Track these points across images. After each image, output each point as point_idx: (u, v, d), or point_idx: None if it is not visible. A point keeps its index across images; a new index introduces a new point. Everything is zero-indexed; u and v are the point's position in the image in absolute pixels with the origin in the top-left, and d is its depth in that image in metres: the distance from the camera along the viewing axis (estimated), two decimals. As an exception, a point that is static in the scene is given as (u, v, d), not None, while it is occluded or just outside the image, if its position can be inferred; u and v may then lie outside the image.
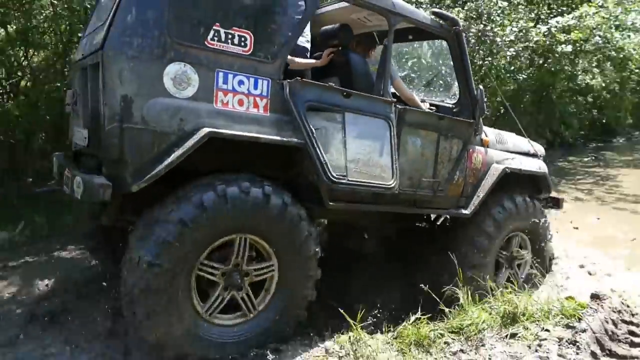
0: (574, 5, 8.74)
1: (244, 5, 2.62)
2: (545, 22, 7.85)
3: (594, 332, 2.70)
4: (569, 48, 7.73)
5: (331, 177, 2.77)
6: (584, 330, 2.70)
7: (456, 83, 3.77)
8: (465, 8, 7.14)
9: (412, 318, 2.75)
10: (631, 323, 3.01)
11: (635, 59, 10.21)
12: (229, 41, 2.57)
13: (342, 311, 2.65)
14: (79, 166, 2.98)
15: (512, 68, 8.26)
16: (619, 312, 3.03)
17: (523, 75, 8.52)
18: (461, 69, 3.57)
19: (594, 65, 9.94)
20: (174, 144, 2.41)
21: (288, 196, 2.71)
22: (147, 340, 2.49)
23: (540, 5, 9.22)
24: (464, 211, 3.56)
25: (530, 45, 7.67)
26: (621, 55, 9.36)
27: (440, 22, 3.42)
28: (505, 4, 7.45)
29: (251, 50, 2.62)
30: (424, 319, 2.73)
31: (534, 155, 4.20)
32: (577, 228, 5.60)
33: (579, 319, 2.81)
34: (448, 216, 3.74)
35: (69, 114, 3.30)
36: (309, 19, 2.87)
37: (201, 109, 2.48)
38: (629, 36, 9.15)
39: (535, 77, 9.00)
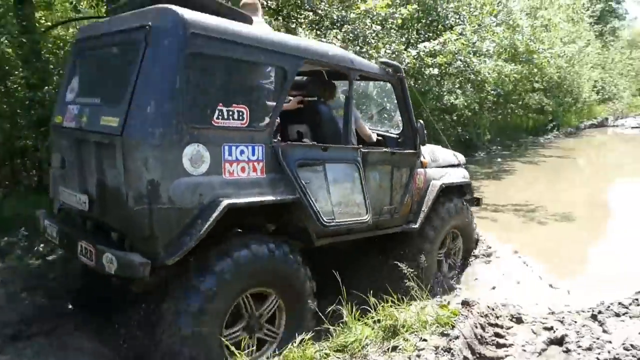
0: (438, 32, 9.53)
1: (240, 83, 3.07)
2: (415, 47, 8.46)
3: (465, 338, 2.90)
4: (436, 71, 8.43)
5: (323, 222, 3.30)
6: (457, 337, 2.88)
7: (399, 116, 4.38)
8: (343, 30, 7.42)
9: (298, 339, 2.75)
10: (496, 325, 3.29)
11: (490, 81, 11.40)
12: (230, 117, 2.91)
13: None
14: (83, 230, 3.27)
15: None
16: (486, 316, 3.30)
17: (397, 95, 9.05)
18: (404, 106, 4.17)
19: (457, 86, 10.91)
20: (197, 217, 2.74)
21: (287, 247, 3.14)
22: None
23: (410, 30, 9.93)
24: (413, 225, 4.28)
25: (402, 67, 8.21)
26: (479, 78, 10.40)
27: (387, 69, 4.06)
28: (379, 28, 7.89)
29: (247, 122, 2.98)
30: (309, 339, 2.74)
31: (459, 165, 5.10)
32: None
33: (452, 327, 3.00)
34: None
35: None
36: (290, 86, 3.30)
37: (214, 182, 2.83)
38: (485, 61, 10.20)
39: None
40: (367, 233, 3.90)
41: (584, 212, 7.92)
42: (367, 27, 7.56)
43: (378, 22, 7.87)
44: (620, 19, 32.58)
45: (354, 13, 7.56)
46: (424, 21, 10.08)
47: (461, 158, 5.23)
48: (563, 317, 3.56)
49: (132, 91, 2.70)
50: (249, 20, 3.24)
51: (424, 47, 8.28)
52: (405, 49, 8.26)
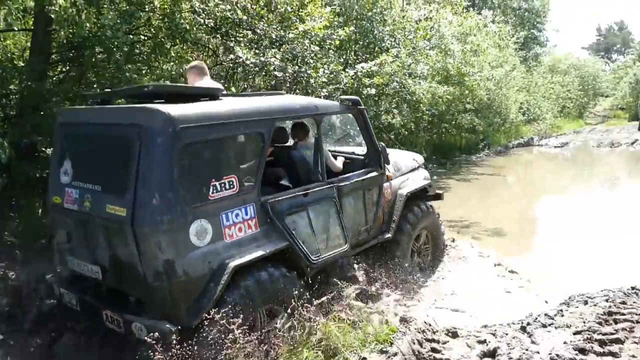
0: (375, 54, 9.80)
1: (226, 156, 3.40)
2: (353, 67, 8.64)
3: (403, 355, 2.93)
4: (373, 91, 8.64)
5: (311, 261, 3.82)
6: (395, 354, 2.91)
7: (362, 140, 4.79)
8: (282, 50, 7.46)
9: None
10: (433, 340, 3.35)
11: (425, 102, 11.82)
12: (223, 189, 3.31)
13: None
14: (101, 297, 3.54)
15: (326, 107, 8.85)
16: (423, 332, 3.36)
17: (335, 114, 9.18)
18: (366, 132, 4.66)
19: (393, 106, 11.22)
20: (209, 281, 3.16)
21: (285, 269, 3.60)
22: None
23: (348, 51, 10.15)
24: (387, 235, 4.86)
25: (341, 87, 8.36)
26: (414, 99, 10.76)
27: (347, 103, 4.49)
28: (317, 48, 8.01)
29: (238, 188, 3.39)
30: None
31: (419, 167, 5.66)
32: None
33: (391, 343, 3.03)
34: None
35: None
36: (268, 145, 3.70)
37: (219, 248, 3.25)
38: (419, 83, 10.58)
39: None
40: (350, 253, 4.45)
41: (514, 228, 8.31)
42: (305, 47, 7.65)
43: (316, 43, 7.99)
44: (542, 46, 34.93)
45: (292, 33, 7.63)
46: (361, 43, 10.33)
47: (419, 159, 5.83)
48: (495, 330, 3.69)
49: (134, 185, 3.05)
50: (217, 93, 3.73)
51: (362, 67, 8.48)
52: (343, 69, 8.42)
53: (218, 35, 7.72)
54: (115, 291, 3.45)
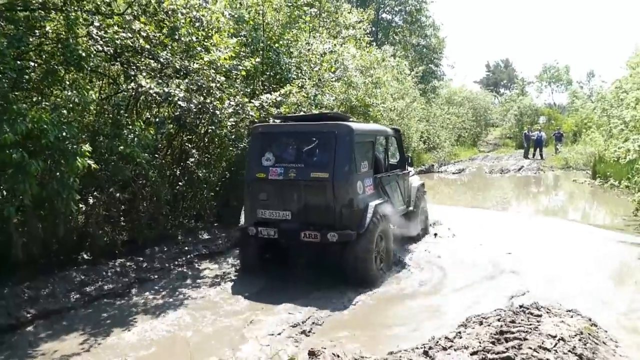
0: (282, 84, 9.94)
1: (365, 151, 6.73)
2: (259, 98, 8.69)
3: (308, 390, 2.90)
4: (279, 122, 8.72)
5: (397, 208, 7.70)
6: (301, 390, 2.88)
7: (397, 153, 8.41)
8: (186, 80, 7.34)
9: None
10: (339, 372, 3.36)
11: (332, 132, 12.12)
12: (364, 167, 6.48)
13: None
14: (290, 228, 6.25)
15: (233, 136, 8.79)
16: (330, 364, 3.36)
17: (243, 144, 9.14)
18: (401, 147, 8.30)
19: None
20: (364, 211, 6.17)
21: None
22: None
23: (255, 81, 10.20)
24: (410, 208, 8.24)
25: (247, 117, 8.36)
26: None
27: (395, 129, 8.28)
28: (224, 78, 7.96)
29: (368, 168, 6.69)
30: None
31: (414, 174, 9.08)
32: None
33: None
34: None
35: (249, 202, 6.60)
36: (375, 149, 7.19)
37: (365, 196, 6.36)
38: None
39: (254, 146, 9.80)
40: (405, 210, 7.97)
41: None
42: (211, 78, 7.57)
43: (222, 73, 7.95)
44: (439, 80, 37.44)
45: (197, 63, 7.53)
46: (268, 74, 10.44)
47: (413, 170, 8.96)
48: (400, 356, 3.78)
49: (333, 161, 6.03)
50: (348, 117, 7.38)
51: (267, 98, 8.55)
52: (249, 100, 8.44)
53: (118, 63, 7.43)
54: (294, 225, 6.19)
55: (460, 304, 5.67)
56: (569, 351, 3.62)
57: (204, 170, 8.64)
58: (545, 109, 41.26)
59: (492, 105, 44.73)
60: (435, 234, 9.24)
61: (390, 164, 7.85)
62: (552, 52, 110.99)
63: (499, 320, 4.32)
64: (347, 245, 5.99)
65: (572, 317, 4.50)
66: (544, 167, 23.18)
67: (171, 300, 5.94)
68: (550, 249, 8.07)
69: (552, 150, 28.35)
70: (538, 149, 27.75)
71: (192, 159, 8.62)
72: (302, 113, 8.98)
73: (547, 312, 4.58)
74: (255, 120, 8.49)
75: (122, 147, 6.31)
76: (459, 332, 4.13)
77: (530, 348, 3.59)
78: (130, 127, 6.66)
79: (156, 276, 6.77)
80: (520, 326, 4.06)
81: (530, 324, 4.15)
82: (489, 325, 4.20)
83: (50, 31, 6.39)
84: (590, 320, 4.52)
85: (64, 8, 6.42)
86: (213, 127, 8.38)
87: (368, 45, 17.06)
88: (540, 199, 15.87)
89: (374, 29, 28.67)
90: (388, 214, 6.66)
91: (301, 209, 6.07)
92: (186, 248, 7.88)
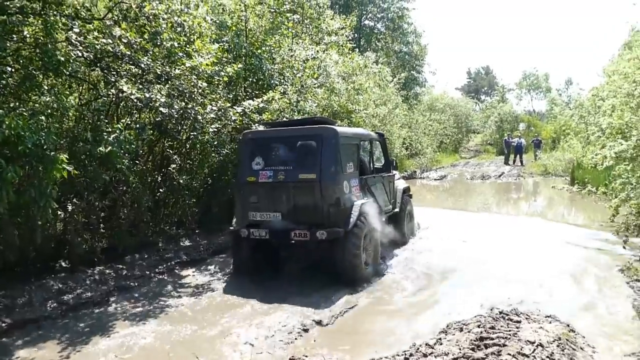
0: (264, 90, 9.94)
1: (350, 153, 6.93)
2: (241, 104, 8.66)
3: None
4: (262, 128, 8.71)
5: (382, 209, 7.91)
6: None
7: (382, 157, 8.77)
8: (167, 86, 7.28)
9: None
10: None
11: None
12: (348, 168, 6.76)
13: None
14: (279, 228, 6.49)
15: (216, 142, 8.75)
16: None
17: (225, 150, 9.10)
18: (385, 151, 8.66)
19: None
20: (350, 210, 6.45)
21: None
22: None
23: (238, 87, 10.18)
24: (395, 209, 8.47)
25: (229, 123, 8.33)
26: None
27: (380, 134, 8.65)
28: (205, 84, 7.92)
29: (354, 169, 7.02)
30: None
31: (400, 178, 9.48)
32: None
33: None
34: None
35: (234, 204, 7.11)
36: (359, 152, 7.58)
37: (351, 196, 6.67)
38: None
39: (236, 152, 9.75)
40: (390, 211, 8.25)
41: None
42: (193, 83, 7.53)
43: (204, 79, 7.91)
44: (421, 86, 37.83)
45: (179, 69, 7.49)
46: (250, 80, 10.43)
47: (398, 174, 9.44)
48: (380, 363, 3.79)
49: (320, 162, 6.29)
50: (334, 122, 7.71)
51: (249, 104, 8.53)
52: (231, 107, 8.41)
53: (98, 69, 7.35)
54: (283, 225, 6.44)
55: (445, 305, 5.71)
56: (547, 357, 3.67)
57: (186, 177, 8.58)
58: (525, 116, 41.93)
59: (473, 112, 45.30)
60: (420, 238, 9.42)
61: (376, 167, 8.16)
62: (531, 60, 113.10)
63: (479, 326, 4.36)
64: (336, 242, 6.21)
65: (550, 323, 4.57)
66: (524, 173, 23.51)
67: (151, 308, 5.87)
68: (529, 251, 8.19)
69: (532, 156, 28.77)
70: (518, 156, 28.14)
71: (174, 165, 8.55)
72: (285, 119, 9.15)
73: (527, 318, 4.63)
74: (238, 126, 8.47)
75: (101, 148, 6.23)
76: (440, 339, 4.16)
77: (509, 354, 3.63)
78: (110, 129, 6.59)
79: (136, 284, 6.69)
80: (499, 332, 4.11)
81: (510, 330, 4.20)
82: (469, 332, 4.24)
83: (29, 36, 6.29)
84: (568, 326, 4.59)
85: (42, 12, 6.33)
86: (195, 133, 8.34)
87: (350, 52, 17.16)
88: (520, 205, 16.08)
89: (356, 35, 28.86)
90: (374, 213, 6.87)
91: (291, 210, 6.37)
92: (167, 255, 7.80)
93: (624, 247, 7.87)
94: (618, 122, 8.91)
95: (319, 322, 5.30)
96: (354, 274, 6.33)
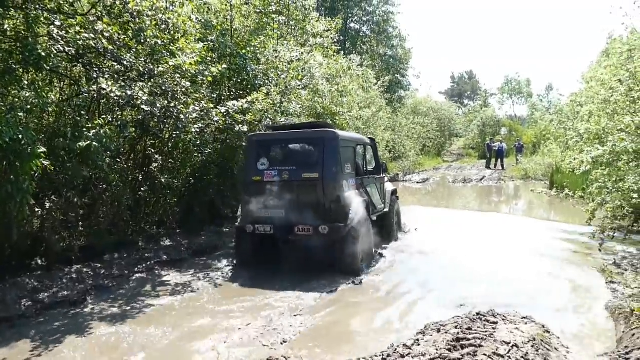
0: (248, 91, 9.91)
1: (348, 155, 7.61)
2: (225, 104, 8.63)
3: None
4: (245, 128, 8.71)
5: (375, 208, 8.46)
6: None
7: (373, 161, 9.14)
8: (150, 84, 7.22)
9: None
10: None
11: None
12: (347, 169, 7.39)
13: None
14: (283, 224, 6.96)
15: (198, 142, 8.70)
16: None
17: (208, 150, 9.05)
18: (376, 155, 9.13)
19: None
20: (350, 206, 6.94)
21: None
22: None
23: (222, 87, 10.14)
24: (385, 209, 8.94)
25: (212, 123, 8.29)
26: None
27: (372, 139, 9.31)
28: (189, 83, 7.87)
29: (352, 170, 7.67)
30: None
31: (388, 180, 9.85)
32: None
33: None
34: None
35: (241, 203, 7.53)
36: (356, 154, 8.23)
37: (350, 194, 7.12)
38: (292, 121, 10.85)
39: (218, 152, 9.73)
40: (382, 210, 8.77)
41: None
42: (176, 82, 7.48)
43: (188, 78, 7.86)
44: (405, 90, 38.14)
45: (162, 67, 7.43)
46: (235, 80, 10.40)
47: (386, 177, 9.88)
48: (358, 364, 3.80)
49: (322, 162, 6.82)
50: (333, 126, 7.92)
51: (233, 105, 8.51)
52: (215, 107, 8.37)
53: (80, 64, 7.26)
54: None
55: (429, 302, 5.76)
56: (522, 357, 3.72)
57: (168, 176, 8.51)
58: (507, 120, 42.51)
59: (456, 116, 45.83)
60: (406, 235, 10.03)
61: (368, 170, 8.68)
62: (513, 66, 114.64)
63: (456, 327, 4.41)
64: (336, 236, 6.68)
65: (526, 324, 4.63)
66: (505, 177, 23.83)
67: (128, 308, 5.81)
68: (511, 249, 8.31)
69: (513, 160, 29.17)
70: (500, 160, 28.52)
71: (156, 164, 8.48)
72: (269, 121, 9.56)
73: (503, 320, 4.69)
74: (221, 126, 8.46)
75: (80, 144, 6.14)
76: (417, 340, 4.19)
77: (485, 355, 3.67)
78: (90, 125, 6.51)
79: (114, 284, 6.61)
80: (476, 333, 4.16)
81: (486, 331, 4.25)
82: (446, 333, 4.28)
83: (9, 29, 6.20)
84: (543, 327, 4.66)
85: (24, 6, 6.25)
86: (177, 132, 8.29)
87: (335, 54, 17.21)
88: (500, 209, 16.29)
89: (342, 38, 28.93)
90: (370, 211, 7.53)
91: (294, 207, 6.80)
92: (147, 255, 7.73)
93: (600, 250, 8.04)
94: (595, 128, 9.08)
95: (296, 324, 5.30)
96: (352, 265, 6.84)
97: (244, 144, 8.97)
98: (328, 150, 6.85)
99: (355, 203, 7.01)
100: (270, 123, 9.42)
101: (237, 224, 7.33)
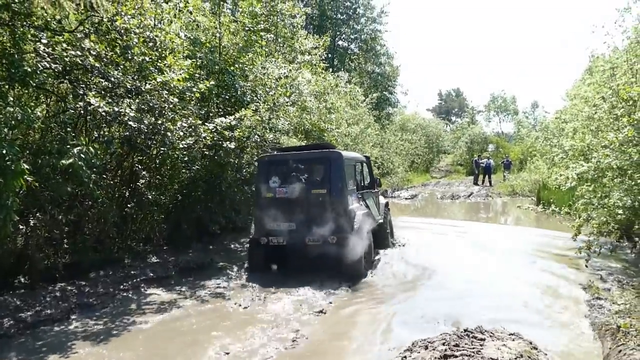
0: (237, 107, 9.94)
1: (351, 172, 8.56)
2: (213, 121, 8.64)
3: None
4: (233, 145, 8.71)
5: (375, 219, 9.40)
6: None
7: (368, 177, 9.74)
8: (137, 100, 7.21)
9: None
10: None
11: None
12: (351, 185, 8.25)
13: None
14: (295, 235, 7.79)
15: (186, 159, 8.67)
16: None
17: (196, 166, 9.03)
18: (370, 171, 9.73)
19: (255, 159, 11.37)
20: (354, 218, 7.79)
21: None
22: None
23: (210, 104, 10.15)
24: (380, 220, 9.54)
25: (200, 139, 8.28)
26: (276, 152, 11.03)
27: (367, 157, 10.07)
28: (177, 100, 7.88)
29: (355, 186, 8.68)
30: None
31: (380, 194, 10.46)
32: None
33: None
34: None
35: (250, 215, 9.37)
36: (358, 172, 9.25)
37: (354, 207, 8.07)
38: (279, 137, 10.91)
39: (206, 168, 9.70)
40: (379, 221, 9.35)
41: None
42: (163, 99, 7.48)
43: (176, 95, 7.87)
44: (393, 107, 38.46)
45: (150, 84, 7.43)
46: (223, 96, 10.42)
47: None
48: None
49: (329, 179, 7.73)
50: (334, 147, 8.88)
51: (221, 121, 8.52)
52: (203, 123, 8.37)
53: (67, 81, 7.24)
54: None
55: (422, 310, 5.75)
56: (509, 374, 3.71)
57: (155, 192, 8.45)
58: (494, 137, 42.96)
59: (444, 133, 46.17)
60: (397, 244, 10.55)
61: (365, 185, 9.41)
62: (500, 83, 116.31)
63: (443, 344, 4.39)
64: (343, 245, 7.43)
65: (513, 340, 4.63)
66: (493, 193, 23.97)
67: (113, 326, 5.71)
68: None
69: (501, 177, 29.40)
70: (487, 176, 28.72)
71: (143, 181, 8.42)
72: (258, 136, 10.19)
73: (491, 336, 4.69)
74: (209, 143, 8.46)
75: (63, 161, 6.08)
76: (405, 357, 4.17)
77: (473, 371, 3.66)
78: (75, 142, 6.46)
79: (99, 301, 6.51)
80: (463, 350, 4.14)
81: (474, 348, 4.24)
82: (434, 350, 4.27)
83: (-5, 46, 6.18)
84: (531, 343, 4.66)
85: (10, 23, 6.23)
86: (165, 149, 8.26)
87: (323, 71, 17.35)
88: (488, 225, 16.35)
89: (329, 55, 29.22)
90: (370, 221, 8.36)
91: (304, 220, 7.64)
92: (132, 272, 7.63)
93: (586, 266, 8.08)
94: (580, 144, 9.22)
95: (285, 341, 5.25)
96: (357, 271, 7.57)
97: (232, 160, 9.10)
98: (333, 169, 7.68)
99: (359, 215, 7.80)
100: (277, 146, 10.48)
101: (250, 236, 8.13)
